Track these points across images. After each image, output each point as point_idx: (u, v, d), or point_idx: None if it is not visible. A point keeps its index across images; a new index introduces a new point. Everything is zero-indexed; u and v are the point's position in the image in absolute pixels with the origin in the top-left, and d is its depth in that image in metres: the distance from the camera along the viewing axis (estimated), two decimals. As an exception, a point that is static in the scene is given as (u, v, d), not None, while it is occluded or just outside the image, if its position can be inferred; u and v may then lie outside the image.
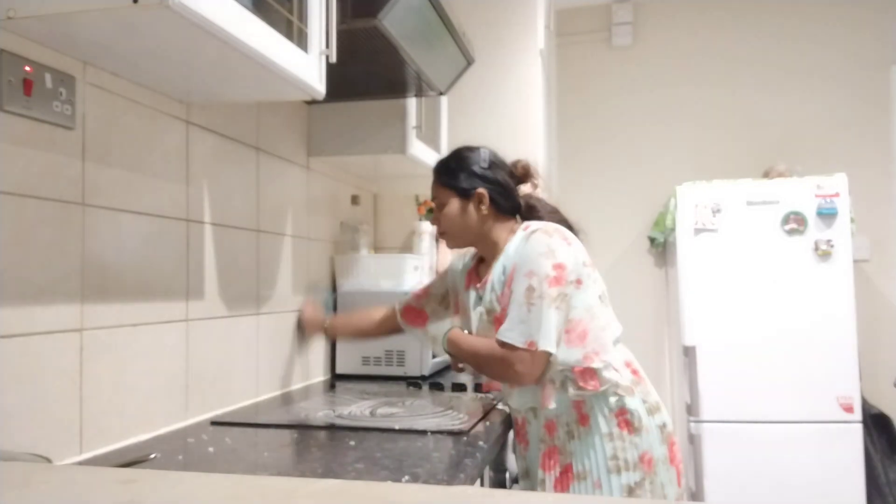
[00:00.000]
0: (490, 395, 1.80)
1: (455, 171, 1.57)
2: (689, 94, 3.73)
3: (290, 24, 1.35)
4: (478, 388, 1.89)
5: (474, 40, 2.10)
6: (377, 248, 2.77)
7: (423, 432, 1.41)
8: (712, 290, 3.04)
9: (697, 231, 3.07)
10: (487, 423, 1.52)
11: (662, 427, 1.44)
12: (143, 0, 0.96)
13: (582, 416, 1.41)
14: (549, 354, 1.37)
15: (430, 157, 2.38)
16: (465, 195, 1.55)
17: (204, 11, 1.03)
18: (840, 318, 2.92)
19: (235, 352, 1.72)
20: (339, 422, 1.50)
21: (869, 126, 3.51)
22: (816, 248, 2.95)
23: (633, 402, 1.41)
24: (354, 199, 2.39)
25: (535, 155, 2.65)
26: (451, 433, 1.40)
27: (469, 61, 2.08)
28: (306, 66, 1.38)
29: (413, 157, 2.22)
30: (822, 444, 2.89)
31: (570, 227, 1.55)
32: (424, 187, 2.69)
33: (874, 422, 3.06)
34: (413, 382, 2.02)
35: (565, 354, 1.39)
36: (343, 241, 2.37)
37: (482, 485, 1.31)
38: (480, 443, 1.34)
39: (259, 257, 1.84)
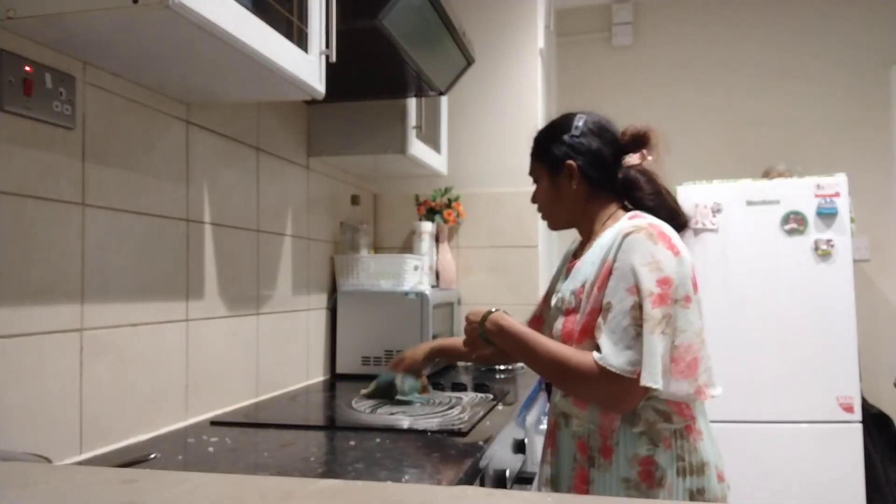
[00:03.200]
0: (490, 396, 1.80)
1: (545, 142, 1.40)
2: (689, 93, 3.73)
3: (290, 24, 1.35)
4: (478, 388, 1.89)
5: (474, 40, 2.10)
6: (377, 248, 2.77)
7: (423, 432, 1.41)
8: (712, 290, 3.04)
9: (697, 231, 3.06)
10: (487, 422, 1.52)
11: (696, 493, 1.22)
12: (143, 0, 0.96)
13: (605, 447, 1.24)
14: (645, 388, 1.15)
15: (430, 157, 2.39)
16: (555, 168, 1.37)
17: (204, 11, 1.03)
18: (840, 318, 2.91)
19: (235, 352, 1.72)
20: (339, 422, 1.50)
21: (869, 126, 3.51)
22: (816, 248, 2.94)
23: (663, 457, 1.21)
24: (354, 199, 2.39)
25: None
26: (451, 433, 1.40)
27: (469, 61, 2.08)
28: (306, 66, 1.38)
29: (413, 157, 2.22)
30: (822, 444, 2.89)
31: (675, 219, 1.33)
32: (424, 187, 2.72)
33: (874, 422, 3.05)
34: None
35: (675, 388, 1.18)
36: (343, 241, 2.37)
37: (482, 485, 1.31)
38: (480, 443, 1.34)
39: (259, 257, 1.84)
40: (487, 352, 1.43)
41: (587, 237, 1.38)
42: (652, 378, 1.14)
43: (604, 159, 1.35)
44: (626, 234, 1.22)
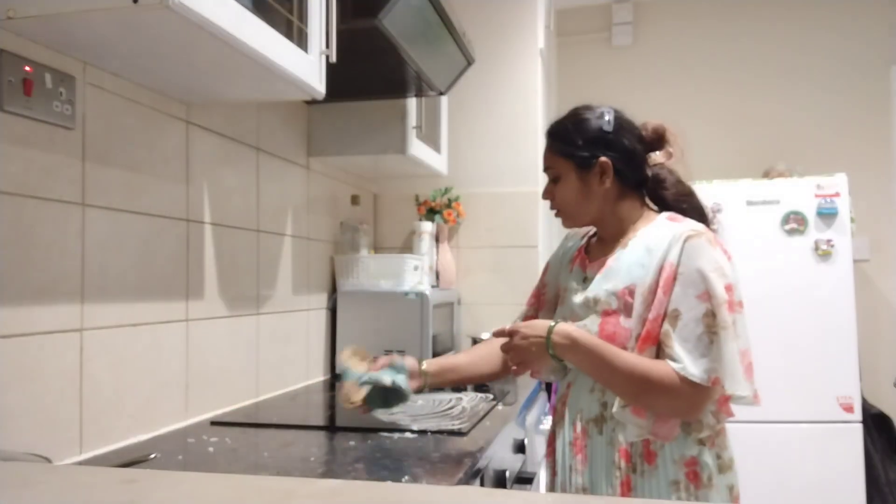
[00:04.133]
0: (490, 396, 1.80)
1: (572, 136, 1.30)
2: (688, 93, 3.73)
3: (290, 24, 1.35)
4: (478, 388, 1.89)
5: (474, 40, 2.10)
6: (377, 248, 2.77)
7: (423, 432, 1.41)
8: (712, 290, 3.04)
9: (697, 231, 3.06)
10: (487, 423, 1.52)
11: (731, 488, 1.24)
12: (143, 0, 0.96)
13: (648, 452, 1.20)
14: (730, 396, 1.15)
15: (430, 157, 2.39)
16: (586, 165, 1.28)
17: (204, 11, 1.03)
18: (840, 318, 2.91)
19: (235, 352, 1.72)
20: (339, 422, 1.50)
21: (869, 126, 3.51)
22: (816, 248, 2.94)
23: (707, 456, 1.21)
24: (354, 199, 2.39)
25: (535, 154, 2.65)
26: (451, 433, 1.40)
27: (469, 61, 2.08)
28: (306, 66, 1.38)
29: (413, 157, 2.22)
30: (822, 444, 2.89)
31: (705, 221, 1.31)
32: (424, 187, 2.72)
33: (874, 422, 3.05)
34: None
35: (744, 391, 1.16)
36: (343, 241, 2.37)
37: (482, 485, 1.31)
38: (480, 443, 1.34)
39: (259, 257, 1.84)
40: (464, 358, 1.41)
41: (612, 237, 1.31)
42: (737, 386, 1.13)
43: (637, 156, 1.31)
44: (688, 238, 1.20)
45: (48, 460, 0.98)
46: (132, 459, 1.19)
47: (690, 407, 1.17)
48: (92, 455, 1.23)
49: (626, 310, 1.22)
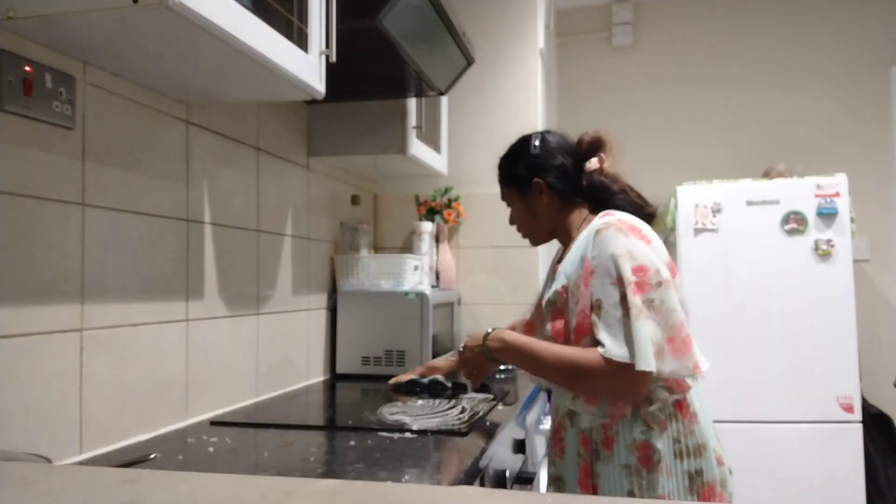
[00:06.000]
0: (490, 396, 1.80)
1: (509, 167, 1.50)
2: (689, 93, 3.73)
3: (290, 24, 1.35)
4: (479, 388, 1.89)
5: (474, 40, 2.10)
6: (377, 248, 2.77)
7: (423, 432, 1.41)
8: (712, 290, 3.04)
9: (697, 231, 3.06)
10: (487, 422, 1.52)
11: (695, 475, 1.27)
12: (143, 0, 0.96)
13: (607, 437, 1.30)
14: (650, 373, 1.20)
15: (430, 157, 2.39)
16: (524, 189, 1.47)
17: (204, 11, 1.03)
18: (840, 318, 2.92)
19: (235, 352, 1.72)
20: (339, 422, 1.50)
21: (869, 126, 3.51)
22: (816, 248, 2.95)
23: (659, 440, 1.26)
24: (354, 199, 2.39)
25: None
26: (451, 433, 1.40)
27: (469, 61, 2.08)
28: (306, 66, 1.38)
29: (413, 157, 2.22)
30: (822, 444, 2.89)
31: (644, 211, 1.41)
32: (424, 187, 2.72)
33: (874, 422, 3.06)
34: (413, 382, 2.01)
35: (673, 366, 1.22)
36: (343, 241, 2.37)
37: (482, 485, 1.31)
38: (480, 443, 1.34)
39: (259, 257, 1.84)
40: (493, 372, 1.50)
41: (567, 244, 1.44)
42: (645, 362, 1.19)
43: (567, 170, 1.44)
44: (598, 231, 1.30)
45: (48, 460, 0.98)
46: (132, 459, 1.19)
47: (626, 386, 1.23)
48: (92, 455, 1.23)
49: (566, 307, 1.33)
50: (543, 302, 1.43)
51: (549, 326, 1.37)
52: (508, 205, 1.53)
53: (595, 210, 1.44)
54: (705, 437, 1.31)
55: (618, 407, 1.28)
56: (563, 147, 1.46)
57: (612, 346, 1.22)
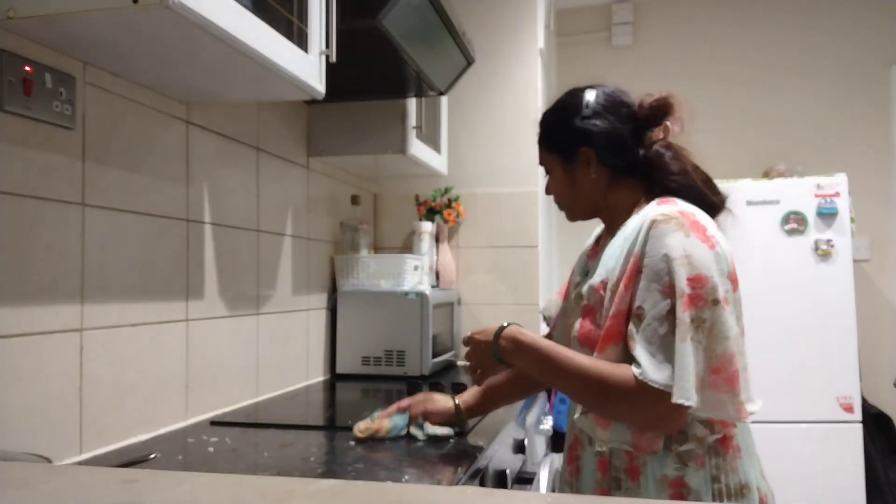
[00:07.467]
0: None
1: (553, 127, 1.23)
2: (688, 94, 3.69)
3: (290, 24, 1.35)
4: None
5: (474, 40, 2.10)
6: (377, 248, 2.77)
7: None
8: (712, 290, 3.04)
9: (697, 231, 3.06)
10: (487, 423, 1.51)
11: None
12: (143, 0, 0.96)
13: (632, 467, 1.07)
14: (687, 408, 0.98)
15: (430, 156, 2.39)
16: (568, 156, 1.19)
17: (204, 11, 1.03)
18: (840, 318, 2.92)
19: (235, 352, 1.72)
20: (339, 422, 1.50)
21: (869, 126, 3.51)
22: (816, 248, 2.94)
23: (694, 478, 1.04)
24: (354, 199, 2.39)
25: (535, 154, 2.65)
26: (451, 433, 1.39)
27: (469, 61, 2.08)
28: (306, 66, 1.38)
29: (413, 157, 2.22)
30: (822, 444, 2.89)
31: (705, 201, 1.17)
32: (424, 187, 2.72)
33: (874, 422, 3.05)
34: (413, 382, 2.01)
35: (713, 403, 1.01)
36: (343, 241, 2.37)
37: (482, 485, 1.31)
38: (480, 443, 1.33)
39: (259, 257, 1.84)
40: (501, 377, 1.27)
41: (611, 228, 1.20)
42: (684, 394, 0.97)
43: (622, 139, 1.17)
44: (654, 223, 1.06)
45: (48, 460, 0.98)
46: (132, 459, 1.19)
47: (659, 418, 1.02)
48: (92, 455, 1.23)
49: (600, 307, 1.11)
50: (573, 293, 1.22)
51: (577, 325, 1.15)
52: (547, 171, 1.25)
53: (650, 191, 1.18)
54: (749, 475, 1.08)
55: (646, 439, 1.05)
56: (620, 109, 1.19)
57: (650, 369, 1.00)
